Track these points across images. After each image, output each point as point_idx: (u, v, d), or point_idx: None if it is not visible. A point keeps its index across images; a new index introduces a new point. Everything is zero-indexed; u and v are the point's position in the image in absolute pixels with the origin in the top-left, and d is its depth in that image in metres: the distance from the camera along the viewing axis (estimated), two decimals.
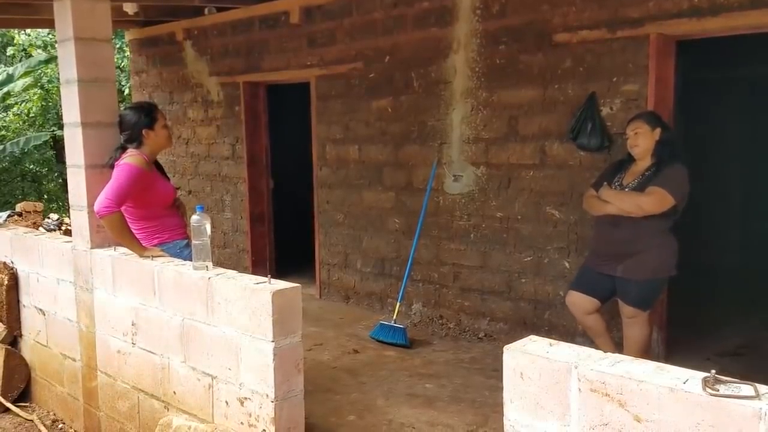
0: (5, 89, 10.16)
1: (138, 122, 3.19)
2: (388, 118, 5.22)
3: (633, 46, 3.90)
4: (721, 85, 6.20)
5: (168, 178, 3.45)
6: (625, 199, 3.41)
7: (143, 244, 3.09)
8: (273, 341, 2.29)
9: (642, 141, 3.41)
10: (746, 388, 1.36)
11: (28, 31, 12.05)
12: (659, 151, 3.41)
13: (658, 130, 3.40)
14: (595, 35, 4.02)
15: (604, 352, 1.65)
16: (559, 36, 4.18)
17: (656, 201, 3.31)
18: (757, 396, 1.33)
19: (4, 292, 3.91)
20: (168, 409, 2.81)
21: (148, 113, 3.24)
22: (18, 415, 3.72)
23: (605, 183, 3.56)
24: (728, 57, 5.69)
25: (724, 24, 3.60)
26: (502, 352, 1.70)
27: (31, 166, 12.67)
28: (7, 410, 3.78)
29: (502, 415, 1.71)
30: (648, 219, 3.35)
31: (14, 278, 3.93)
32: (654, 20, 3.80)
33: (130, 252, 3.05)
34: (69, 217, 4.50)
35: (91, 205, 3.12)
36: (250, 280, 2.49)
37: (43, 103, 12.20)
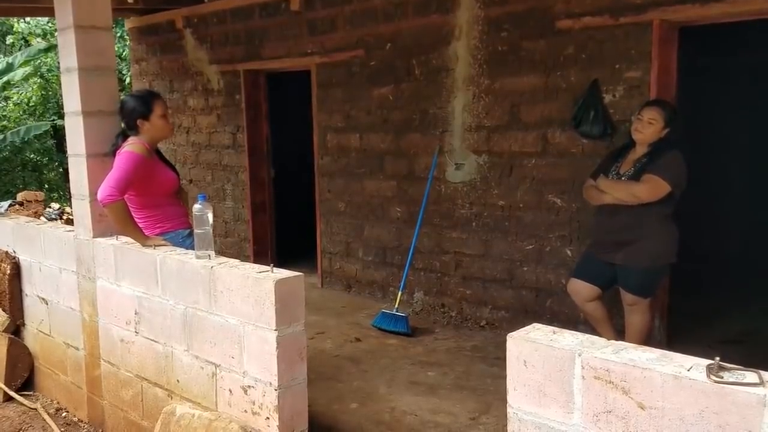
0: (5, 78, 10.13)
1: (133, 111, 3.18)
2: (389, 106, 5.20)
3: (636, 32, 3.87)
4: (724, 72, 6.16)
5: (173, 167, 3.44)
6: (620, 189, 3.41)
7: (146, 233, 3.08)
8: (276, 330, 2.29)
9: (650, 133, 3.39)
10: (750, 375, 1.36)
11: (28, 19, 11.99)
12: (656, 145, 3.40)
13: (667, 131, 3.39)
14: (597, 21, 4.00)
15: (606, 339, 1.65)
16: (561, 22, 4.15)
17: (650, 189, 3.31)
18: (762, 383, 1.33)
19: (6, 282, 3.92)
20: (171, 398, 2.82)
21: (144, 102, 3.21)
22: (22, 404, 3.73)
23: (602, 173, 3.56)
24: (732, 44, 5.65)
25: (728, 10, 3.58)
26: (504, 340, 1.70)
27: (32, 156, 12.65)
28: (10, 399, 3.79)
29: (505, 402, 1.71)
30: (646, 206, 3.35)
31: (16, 267, 3.94)
32: (657, 6, 3.77)
33: (133, 241, 3.05)
34: (70, 206, 4.49)
35: (92, 194, 3.12)
36: (252, 268, 2.49)
37: (43, 93, 12.16)
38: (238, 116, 6.48)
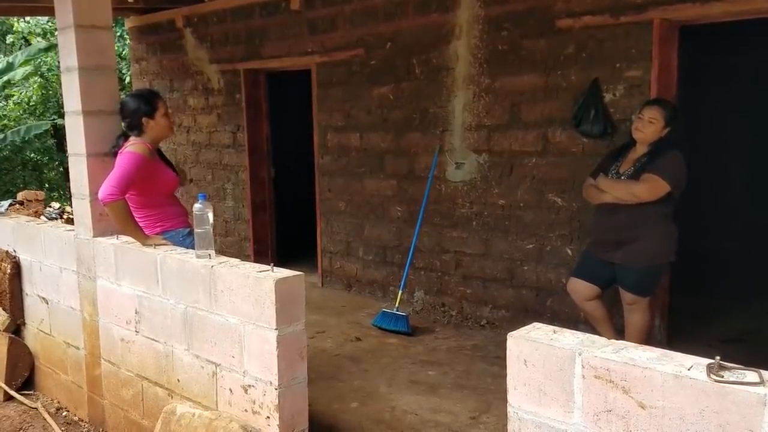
0: (5, 77, 10.12)
1: (137, 110, 3.18)
2: (389, 105, 5.20)
3: (636, 31, 3.87)
4: (725, 71, 6.15)
5: (172, 166, 3.44)
6: (619, 188, 3.41)
7: (146, 232, 3.08)
8: (276, 329, 2.29)
9: (650, 132, 3.38)
10: (751, 375, 1.36)
11: (28, 18, 11.98)
12: (656, 144, 3.40)
13: (667, 130, 3.38)
14: (598, 21, 3.99)
15: (606, 338, 1.65)
16: (562, 21, 4.15)
17: (649, 188, 3.31)
18: (762, 382, 1.33)
19: (7, 281, 3.92)
20: (172, 397, 2.82)
21: (148, 101, 3.23)
22: (22, 403, 3.73)
23: (602, 172, 3.56)
24: (732, 43, 5.65)
25: (728, 9, 3.58)
26: (505, 340, 1.70)
27: (32, 155, 12.66)
28: (11, 398, 3.80)
29: (505, 401, 1.71)
30: (645, 205, 3.35)
31: (17, 267, 3.94)
32: (658, 5, 3.77)
33: (133, 240, 3.05)
34: (70, 205, 4.49)
35: (93, 193, 3.12)
36: (252, 268, 2.49)
37: (43, 92, 12.17)
38: (238, 115, 6.47)
